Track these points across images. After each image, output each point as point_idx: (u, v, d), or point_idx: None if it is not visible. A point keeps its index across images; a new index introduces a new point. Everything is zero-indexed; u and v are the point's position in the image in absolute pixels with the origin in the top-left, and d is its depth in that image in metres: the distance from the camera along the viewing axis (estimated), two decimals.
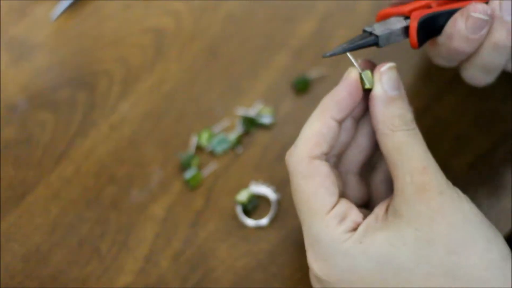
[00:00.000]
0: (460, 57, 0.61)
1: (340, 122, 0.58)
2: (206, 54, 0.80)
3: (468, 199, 0.56)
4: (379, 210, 0.57)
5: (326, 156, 0.58)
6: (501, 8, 0.58)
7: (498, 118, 0.75)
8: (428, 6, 0.61)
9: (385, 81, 0.57)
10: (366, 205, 0.64)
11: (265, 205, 0.72)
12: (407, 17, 0.60)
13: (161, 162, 0.74)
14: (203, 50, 0.81)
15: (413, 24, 0.59)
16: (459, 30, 0.58)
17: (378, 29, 0.59)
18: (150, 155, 0.75)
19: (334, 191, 0.57)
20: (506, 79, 0.75)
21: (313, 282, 0.59)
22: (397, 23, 0.60)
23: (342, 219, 0.56)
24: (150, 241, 0.71)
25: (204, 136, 0.74)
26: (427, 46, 0.64)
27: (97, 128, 0.76)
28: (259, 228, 0.71)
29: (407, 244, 0.54)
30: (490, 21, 0.58)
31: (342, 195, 0.62)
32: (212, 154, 0.75)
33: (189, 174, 0.73)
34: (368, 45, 0.59)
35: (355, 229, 0.56)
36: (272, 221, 0.71)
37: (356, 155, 0.63)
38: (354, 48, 0.58)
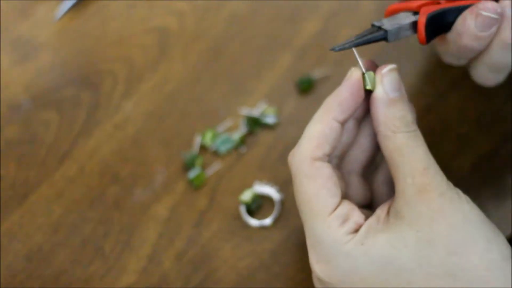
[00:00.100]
0: (470, 55, 0.61)
1: (343, 123, 0.58)
2: (209, 54, 0.80)
3: (468, 199, 0.56)
4: (380, 211, 0.57)
5: (328, 157, 0.58)
6: (511, 6, 0.58)
7: (501, 118, 0.75)
8: (437, 2, 0.60)
9: (387, 82, 0.57)
10: (369, 206, 0.64)
11: (268, 205, 0.72)
12: (415, 13, 0.60)
13: (165, 162, 0.74)
14: (207, 50, 0.81)
15: (422, 19, 0.59)
16: (468, 28, 0.58)
17: (387, 23, 0.59)
18: (153, 154, 0.75)
19: (336, 192, 0.57)
20: (509, 80, 0.75)
21: (316, 283, 0.59)
22: (406, 18, 0.60)
23: (344, 220, 0.56)
24: (153, 241, 0.71)
25: (208, 136, 0.74)
26: (436, 43, 0.64)
27: (101, 127, 0.76)
28: (262, 228, 0.71)
29: (408, 245, 0.54)
30: (500, 19, 0.58)
31: (344, 196, 0.62)
32: (215, 154, 0.75)
33: (192, 173, 0.73)
34: (377, 39, 0.59)
35: (357, 230, 0.56)
36: (276, 221, 0.71)
37: (358, 155, 0.63)
38: (363, 42, 0.58)
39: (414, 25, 0.60)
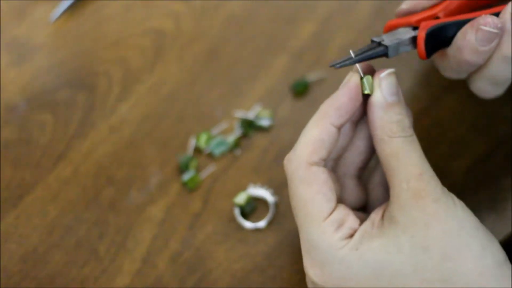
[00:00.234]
0: (470, 69, 0.61)
1: (340, 128, 0.58)
2: (206, 55, 0.80)
3: (463, 205, 0.56)
4: (375, 215, 0.57)
5: (324, 162, 0.58)
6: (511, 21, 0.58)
7: (497, 121, 0.75)
8: (436, 17, 0.61)
9: (384, 87, 0.57)
10: (364, 208, 0.64)
11: (263, 208, 0.72)
12: (415, 28, 0.60)
13: (160, 164, 0.74)
14: (203, 51, 0.81)
15: (421, 34, 0.59)
16: (468, 42, 0.58)
17: (387, 39, 0.59)
18: (149, 156, 0.75)
19: (331, 197, 0.57)
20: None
21: (310, 287, 0.60)
22: (406, 34, 0.60)
23: (339, 225, 0.56)
24: (148, 243, 0.71)
25: (203, 138, 0.74)
26: (436, 58, 0.64)
27: (96, 129, 0.77)
28: (257, 231, 0.71)
29: (403, 251, 0.54)
30: (500, 34, 0.58)
31: (340, 198, 0.62)
32: (210, 156, 0.75)
33: (187, 176, 0.73)
34: (377, 56, 0.59)
35: (351, 235, 0.56)
36: (270, 224, 0.71)
37: (354, 158, 0.63)
38: (363, 59, 0.58)
39: (414, 40, 0.60)
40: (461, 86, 0.76)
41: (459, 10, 0.61)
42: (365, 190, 0.64)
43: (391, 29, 0.61)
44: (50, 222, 0.72)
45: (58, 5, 0.83)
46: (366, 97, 0.58)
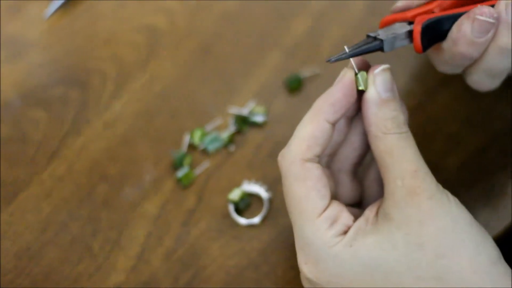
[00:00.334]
0: (465, 63, 0.61)
1: (334, 124, 0.58)
2: (199, 52, 0.80)
3: (458, 202, 0.56)
4: (369, 212, 0.57)
5: (318, 158, 0.58)
6: (507, 11, 0.57)
7: (491, 116, 0.75)
8: (432, 12, 0.60)
9: (379, 83, 0.57)
10: (359, 204, 0.64)
11: (257, 204, 0.72)
12: (410, 22, 0.60)
13: (154, 160, 0.74)
14: (197, 48, 0.81)
15: (417, 28, 0.59)
16: (464, 34, 0.58)
17: (382, 34, 0.59)
18: (142, 153, 0.75)
19: (325, 194, 0.57)
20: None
21: (304, 283, 0.60)
22: (401, 28, 0.60)
23: (333, 222, 0.56)
24: (142, 240, 0.71)
25: (197, 135, 0.74)
26: (430, 53, 0.64)
27: (90, 126, 0.76)
28: (251, 227, 0.71)
29: (397, 248, 0.54)
30: (496, 24, 0.58)
31: (335, 194, 0.62)
32: (204, 152, 0.75)
33: (181, 172, 0.73)
34: (373, 50, 0.59)
35: (345, 232, 0.56)
36: (264, 220, 0.71)
37: (349, 153, 0.63)
38: (358, 53, 0.58)
39: (410, 34, 0.60)
40: (456, 82, 0.76)
41: (454, 6, 0.61)
42: (360, 186, 0.64)
43: (386, 24, 0.61)
44: (44, 219, 0.72)
45: (52, 2, 0.83)
46: (361, 93, 0.58)
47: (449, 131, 0.75)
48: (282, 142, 0.70)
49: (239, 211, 0.71)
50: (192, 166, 0.74)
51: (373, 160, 0.64)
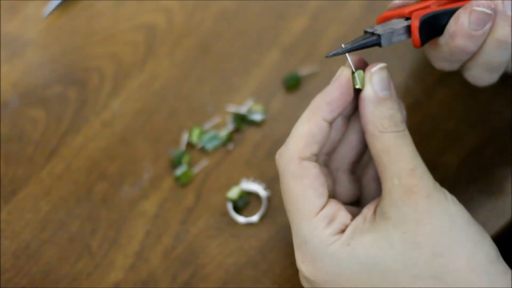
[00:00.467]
0: (463, 57, 0.61)
1: (331, 123, 0.58)
2: (197, 50, 0.80)
3: (455, 200, 0.56)
4: (367, 210, 0.57)
5: (316, 157, 0.58)
6: (504, 3, 0.57)
7: (488, 114, 0.75)
8: (429, 8, 0.61)
9: (376, 81, 0.56)
10: (357, 202, 0.64)
11: (255, 202, 0.72)
12: (408, 18, 0.60)
13: (152, 159, 0.74)
14: (195, 46, 0.81)
15: (415, 23, 0.59)
16: (462, 26, 0.57)
17: (380, 29, 0.59)
18: (141, 151, 0.75)
19: (323, 192, 0.57)
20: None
21: (302, 281, 0.60)
22: (399, 23, 0.60)
23: (330, 221, 0.56)
24: (140, 238, 0.71)
25: (195, 133, 0.74)
26: (428, 49, 0.63)
27: (88, 124, 0.76)
28: (249, 225, 0.71)
29: (394, 246, 0.54)
30: (493, 16, 0.58)
31: (333, 192, 0.62)
32: (203, 151, 0.75)
33: (179, 171, 0.73)
34: (370, 45, 0.58)
35: (343, 231, 0.56)
36: (263, 218, 0.71)
37: (347, 152, 0.63)
38: (356, 48, 0.58)
39: (407, 29, 0.59)
40: (453, 80, 0.76)
41: (450, 2, 0.61)
42: (359, 185, 0.64)
43: (384, 21, 0.61)
44: (43, 217, 0.72)
45: (50, 1, 0.83)
46: (358, 92, 0.58)
47: (446, 128, 0.75)
48: (281, 140, 0.70)
49: (238, 210, 0.71)
50: (191, 165, 0.74)
51: (371, 158, 0.63)
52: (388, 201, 0.55)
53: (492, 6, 0.57)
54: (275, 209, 0.71)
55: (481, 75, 0.63)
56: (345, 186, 0.63)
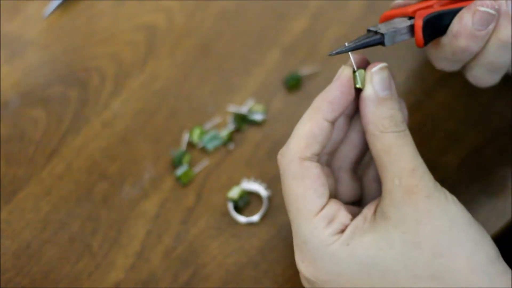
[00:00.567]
0: (466, 57, 0.61)
1: (333, 122, 0.57)
2: (198, 51, 0.80)
3: (455, 200, 0.56)
4: (367, 210, 0.57)
5: (317, 157, 0.57)
6: (507, 3, 0.57)
7: (489, 114, 0.75)
8: (431, 7, 0.61)
9: (376, 81, 0.56)
10: (359, 202, 0.64)
11: (256, 202, 0.72)
12: (411, 17, 0.60)
13: (153, 159, 0.74)
14: (195, 47, 0.81)
15: (419, 22, 0.59)
16: (465, 26, 0.57)
17: (383, 28, 0.59)
18: (141, 151, 0.75)
19: (323, 192, 0.57)
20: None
21: (303, 281, 0.60)
22: (402, 23, 0.60)
23: (330, 221, 0.56)
24: (141, 238, 0.71)
25: (196, 133, 0.74)
26: (429, 50, 0.63)
27: (89, 124, 0.76)
28: (250, 225, 0.71)
29: (394, 247, 0.54)
30: (497, 17, 0.58)
31: (334, 192, 0.62)
32: (203, 151, 0.75)
33: (180, 171, 0.73)
34: (373, 43, 0.58)
35: (343, 231, 0.56)
36: (264, 218, 0.71)
37: (349, 151, 0.63)
38: (359, 47, 0.58)
39: (411, 28, 0.59)
40: (454, 80, 0.76)
41: (453, 2, 0.61)
42: (360, 184, 0.64)
43: (386, 19, 0.61)
44: (43, 217, 0.72)
45: (51, 1, 0.83)
46: (359, 91, 0.58)
47: (447, 128, 0.75)
48: (281, 140, 0.70)
49: (238, 209, 0.71)
50: (191, 165, 0.74)
51: (371, 159, 0.63)
52: (388, 201, 0.55)
53: (496, 7, 0.57)
54: (276, 209, 0.71)
55: (483, 76, 0.63)
56: (347, 186, 0.63)
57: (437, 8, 0.60)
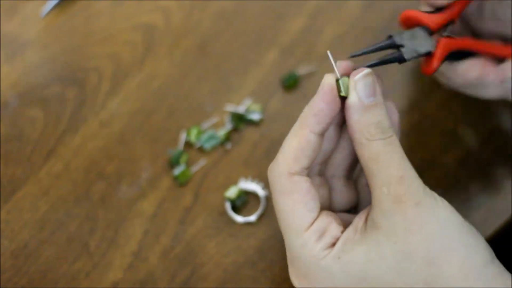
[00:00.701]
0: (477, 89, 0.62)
1: (322, 134, 0.56)
2: (196, 50, 0.80)
3: (446, 204, 0.55)
4: (358, 220, 0.56)
5: (307, 170, 0.57)
6: None
7: (486, 114, 0.75)
8: (451, 21, 0.60)
9: (360, 88, 0.55)
10: (355, 208, 0.64)
11: (254, 202, 0.72)
12: (432, 32, 0.60)
13: (150, 159, 0.74)
14: (193, 46, 0.81)
15: (440, 54, 0.59)
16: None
17: (405, 41, 0.59)
18: (139, 151, 0.75)
19: (313, 206, 0.56)
20: None
21: None
22: (424, 44, 0.59)
23: (321, 235, 0.56)
24: (139, 237, 0.71)
25: (193, 133, 0.74)
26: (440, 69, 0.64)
27: (87, 124, 0.76)
28: (248, 225, 0.71)
29: (386, 258, 0.53)
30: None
31: (329, 200, 0.61)
32: (201, 150, 0.75)
33: (178, 170, 0.73)
34: (392, 61, 0.58)
35: (334, 244, 0.56)
36: (261, 218, 0.71)
37: (341, 160, 0.62)
38: (378, 63, 0.58)
39: (430, 53, 0.60)
40: None
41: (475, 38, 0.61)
42: (355, 191, 0.63)
43: (407, 21, 0.61)
44: (41, 217, 0.72)
45: (48, 1, 0.83)
46: (344, 99, 0.56)
47: (445, 129, 0.75)
48: (279, 140, 0.70)
49: (236, 209, 0.71)
50: (189, 164, 0.74)
51: None
52: (378, 210, 0.54)
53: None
54: (273, 208, 0.71)
55: (495, 95, 0.63)
56: (342, 193, 0.62)
57: (459, 42, 0.59)
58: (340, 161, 0.62)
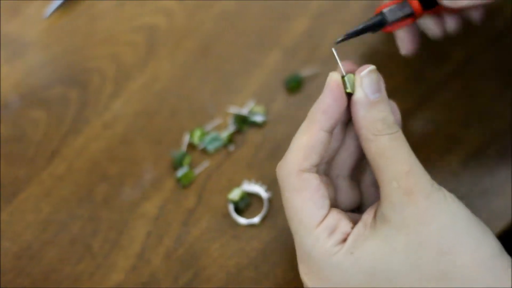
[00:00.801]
0: None
1: (331, 131, 0.57)
2: (198, 52, 0.80)
3: (454, 198, 0.55)
4: (367, 216, 0.56)
5: (316, 168, 0.57)
6: None
7: (489, 116, 0.75)
8: None
9: (366, 84, 0.56)
10: (359, 208, 0.64)
11: (257, 204, 0.72)
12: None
13: (153, 160, 0.74)
14: (196, 48, 0.81)
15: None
16: None
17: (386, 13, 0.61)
18: (142, 153, 0.75)
19: (323, 203, 0.56)
20: (496, 77, 0.75)
21: None
22: (405, 10, 0.61)
23: (332, 231, 0.56)
24: (142, 239, 0.71)
25: (196, 134, 0.74)
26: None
27: (90, 126, 0.76)
28: (251, 227, 0.71)
29: (398, 250, 0.54)
30: None
31: (334, 200, 0.61)
32: (204, 152, 0.75)
33: (181, 172, 0.73)
34: (375, 22, 0.59)
35: (345, 240, 0.56)
36: (264, 220, 0.71)
37: (346, 158, 0.62)
38: (361, 29, 0.59)
39: (412, 14, 0.61)
40: (454, 82, 0.76)
41: None
42: (359, 191, 0.64)
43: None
44: (44, 219, 0.72)
45: (51, 2, 0.83)
46: (350, 96, 0.57)
47: (448, 131, 0.75)
48: (282, 141, 0.70)
49: (239, 211, 0.71)
50: (192, 166, 0.74)
51: (367, 163, 0.63)
52: (387, 204, 0.54)
53: None
54: (277, 210, 0.71)
55: None
56: (346, 193, 0.62)
57: None
58: (344, 160, 0.62)
